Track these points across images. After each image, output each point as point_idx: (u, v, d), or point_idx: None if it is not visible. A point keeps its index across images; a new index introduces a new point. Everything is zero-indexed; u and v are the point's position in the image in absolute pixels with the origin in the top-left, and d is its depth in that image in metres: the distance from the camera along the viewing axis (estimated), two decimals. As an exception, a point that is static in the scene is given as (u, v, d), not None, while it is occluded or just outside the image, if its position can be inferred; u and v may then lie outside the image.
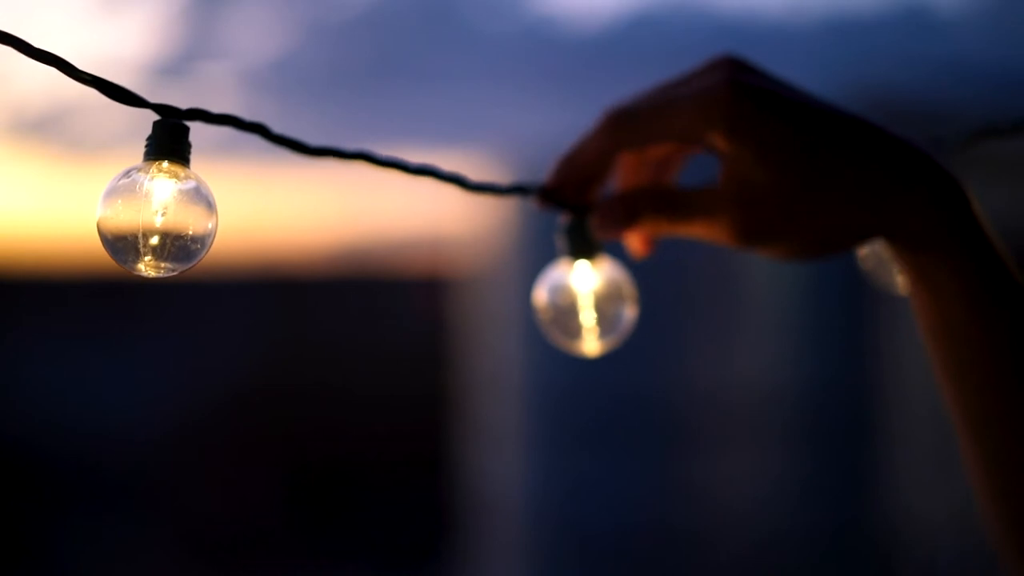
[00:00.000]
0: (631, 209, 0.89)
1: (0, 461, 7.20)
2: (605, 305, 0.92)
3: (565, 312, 0.93)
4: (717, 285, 5.10)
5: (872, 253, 1.02)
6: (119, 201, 0.75)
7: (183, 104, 0.77)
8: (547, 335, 0.94)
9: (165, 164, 0.76)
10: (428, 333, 7.13)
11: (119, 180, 0.75)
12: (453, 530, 5.96)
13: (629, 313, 0.93)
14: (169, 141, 0.75)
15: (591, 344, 0.93)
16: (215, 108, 0.79)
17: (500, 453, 5.30)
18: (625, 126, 0.89)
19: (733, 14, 6.41)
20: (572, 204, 0.92)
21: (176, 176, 0.76)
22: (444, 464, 6.23)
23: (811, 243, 0.86)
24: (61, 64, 0.74)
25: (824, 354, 5.10)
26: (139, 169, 0.76)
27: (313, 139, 0.81)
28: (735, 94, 0.84)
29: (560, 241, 0.93)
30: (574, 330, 0.93)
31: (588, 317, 0.92)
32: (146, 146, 0.76)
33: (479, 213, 5.91)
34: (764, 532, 5.00)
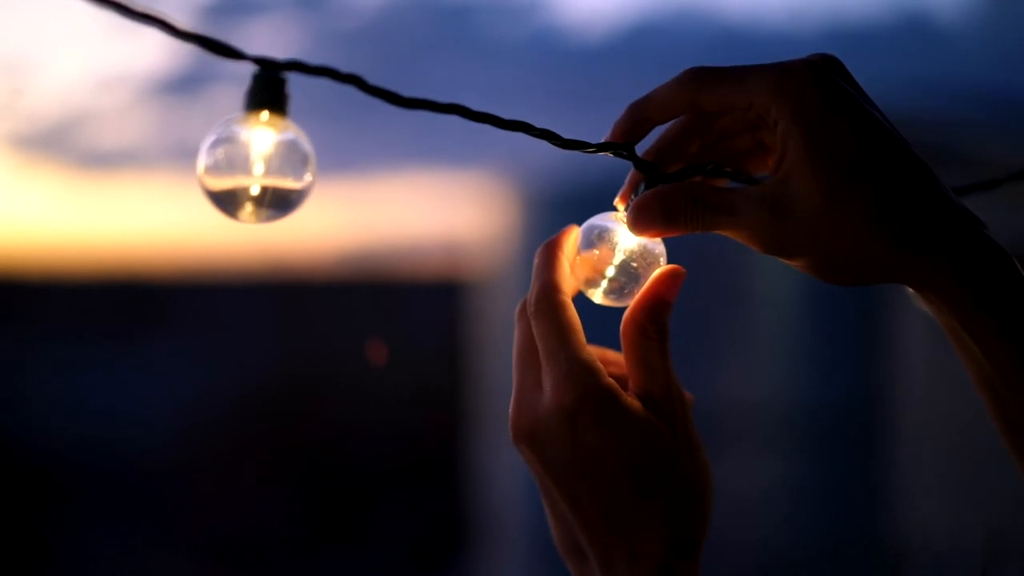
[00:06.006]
0: (669, 210, 0.87)
1: (16, 464, 7.22)
2: (630, 269, 0.91)
3: (595, 258, 0.91)
4: (732, 297, 5.11)
5: None
6: (220, 152, 0.75)
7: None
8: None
9: (264, 116, 0.76)
10: (441, 337, 7.14)
11: (219, 131, 0.76)
12: (466, 533, 5.98)
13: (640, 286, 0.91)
14: (267, 93, 0.76)
15: (596, 296, 0.92)
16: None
17: (513, 457, 5.31)
18: (703, 80, 0.86)
19: (735, 21, 6.45)
20: (649, 171, 0.90)
21: (275, 127, 0.76)
22: (457, 467, 6.24)
23: (830, 268, 0.85)
24: (163, 24, 0.75)
25: (835, 367, 5.11)
26: (238, 120, 0.76)
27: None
28: (815, 77, 0.83)
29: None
30: (594, 280, 0.92)
31: (610, 271, 0.91)
32: (245, 98, 0.77)
33: (491, 217, 5.93)
34: (773, 541, 5.02)
